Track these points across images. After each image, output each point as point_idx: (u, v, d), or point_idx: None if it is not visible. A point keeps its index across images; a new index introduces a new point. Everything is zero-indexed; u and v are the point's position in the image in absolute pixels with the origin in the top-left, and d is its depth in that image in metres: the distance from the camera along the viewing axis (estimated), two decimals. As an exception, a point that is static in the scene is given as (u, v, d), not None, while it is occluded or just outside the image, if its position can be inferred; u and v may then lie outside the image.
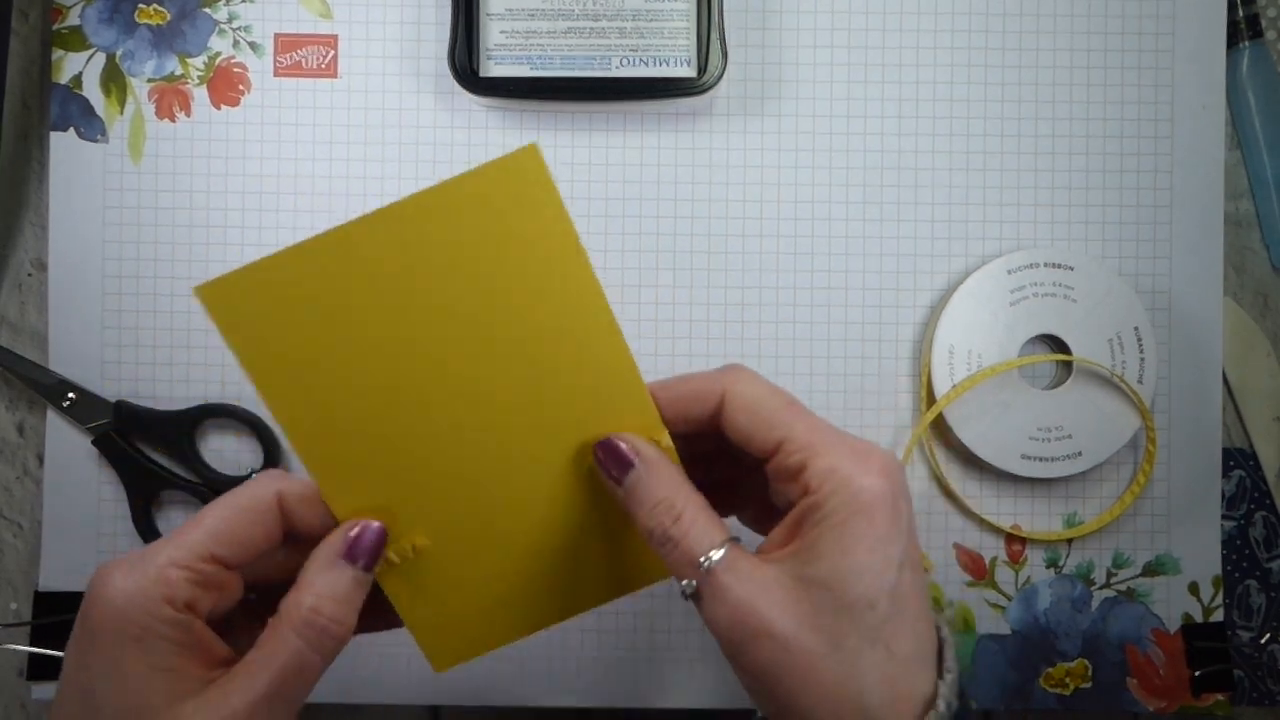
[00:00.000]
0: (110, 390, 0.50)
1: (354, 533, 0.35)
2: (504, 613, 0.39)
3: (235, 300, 0.34)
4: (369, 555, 0.35)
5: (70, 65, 0.50)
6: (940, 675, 0.33)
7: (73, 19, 0.50)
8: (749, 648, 0.32)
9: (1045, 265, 0.50)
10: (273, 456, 0.50)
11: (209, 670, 0.33)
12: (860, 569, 0.32)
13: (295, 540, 0.36)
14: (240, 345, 0.34)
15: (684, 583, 0.34)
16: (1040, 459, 0.50)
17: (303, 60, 0.51)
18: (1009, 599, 0.51)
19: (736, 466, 0.37)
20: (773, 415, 0.35)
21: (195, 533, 0.34)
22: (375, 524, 0.35)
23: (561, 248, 0.35)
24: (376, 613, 0.37)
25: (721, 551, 0.33)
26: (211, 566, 0.34)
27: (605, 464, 0.35)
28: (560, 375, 0.36)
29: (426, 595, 0.38)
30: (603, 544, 0.38)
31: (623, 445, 0.35)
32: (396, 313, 0.35)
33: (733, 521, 0.39)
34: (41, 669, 0.50)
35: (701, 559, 0.33)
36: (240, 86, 0.50)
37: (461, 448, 0.36)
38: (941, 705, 0.32)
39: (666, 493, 0.34)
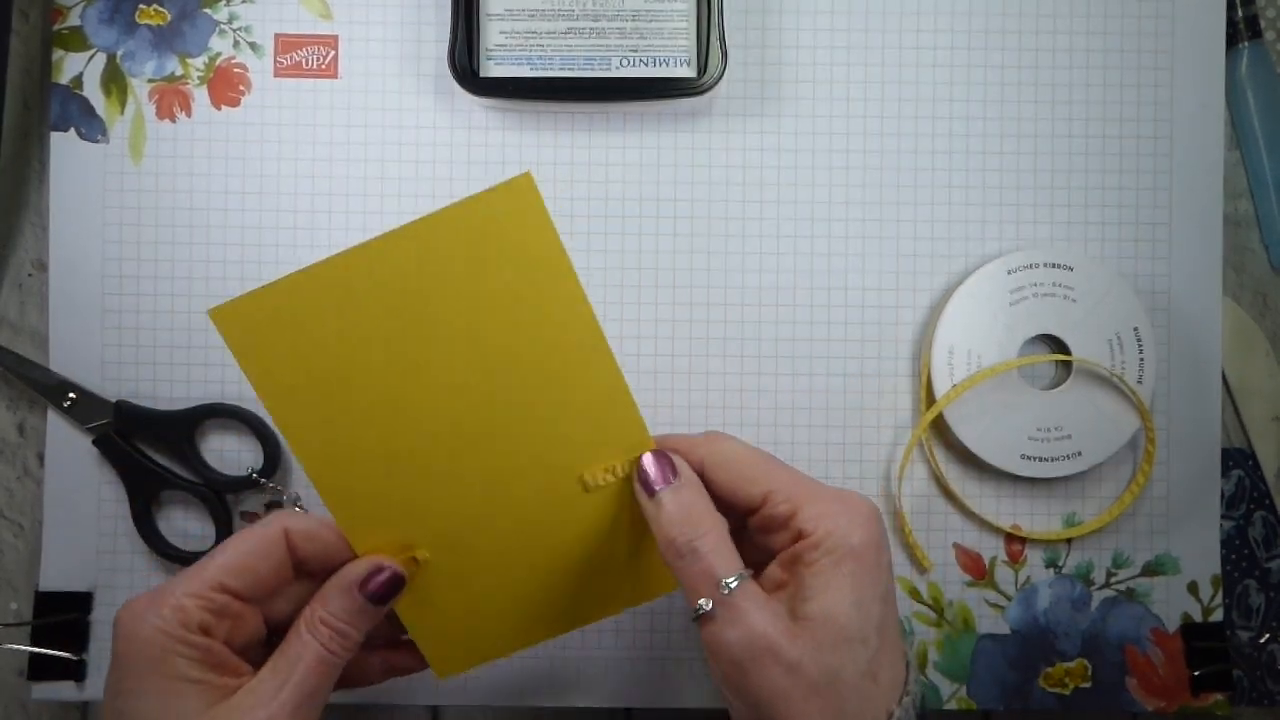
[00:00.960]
0: (110, 390, 0.50)
1: (376, 575, 0.37)
2: (505, 624, 0.40)
3: (247, 322, 0.35)
4: (382, 595, 0.38)
5: (71, 65, 0.50)
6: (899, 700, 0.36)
7: (73, 19, 0.50)
8: (755, 671, 0.35)
9: (1045, 265, 0.50)
10: (273, 457, 0.50)
11: (235, 680, 0.36)
12: (853, 605, 0.35)
13: (307, 574, 0.39)
14: (251, 367, 0.36)
15: (700, 601, 0.35)
16: (1040, 459, 0.50)
17: (303, 61, 0.51)
18: (1008, 599, 0.51)
19: None
20: (754, 470, 0.38)
21: (208, 566, 0.37)
22: (395, 571, 0.38)
23: (555, 272, 0.36)
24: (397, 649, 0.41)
25: (739, 579, 0.35)
26: (222, 596, 0.36)
27: (648, 473, 0.37)
28: (556, 393, 0.37)
29: (429, 606, 0.39)
30: (601, 562, 0.39)
31: (665, 464, 0.37)
32: (398, 335, 0.36)
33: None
34: (42, 669, 0.50)
35: (723, 582, 0.35)
36: (240, 87, 0.50)
37: (462, 465, 0.37)
38: None
39: (698, 510, 0.37)
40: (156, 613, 0.35)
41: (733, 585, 0.35)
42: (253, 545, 0.37)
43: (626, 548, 0.39)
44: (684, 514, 0.36)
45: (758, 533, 0.38)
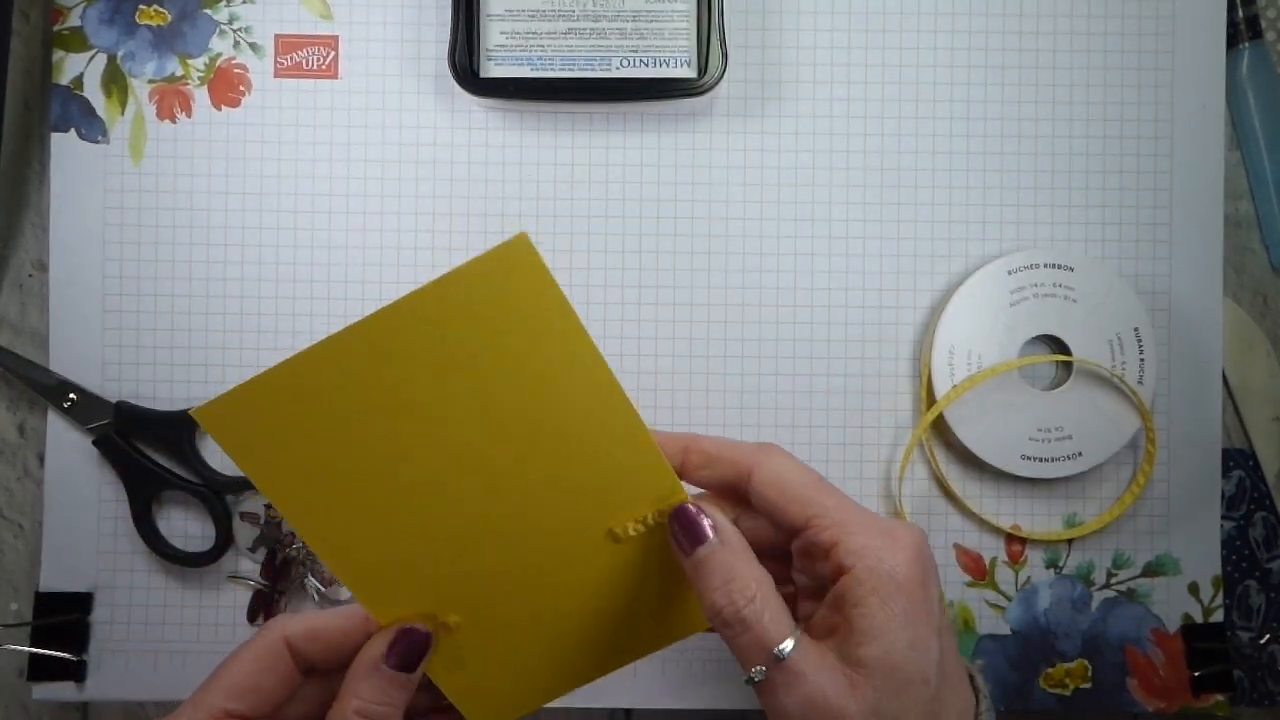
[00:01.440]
0: (111, 390, 0.50)
1: (399, 642, 0.36)
2: (541, 675, 0.39)
3: (237, 418, 0.34)
4: (411, 659, 0.36)
5: (71, 66, 0.50)
6: None
7: (73, 20, 0.50)
8: None
9: (1045, 265, 0.50)
10: (273, 457, 0.50)
11: None
12: (909, 646, 0.33)
13: (317, 672, 0.37)
14: (249, 463, 0.34)
15: (754, 669, 0.34)
16: (1040, 459, 0.50)
17: (303, 61, 0.51)
18: (1009, 599, 0.51)
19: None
20: (802, 491, 0.36)
21: (210, 691, 0.35)
22: (418, 628, 0.36)
23: (563, 329, 0.34)
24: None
25: (793, 641, 0.34)
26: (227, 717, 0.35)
27: (678, 534, 0.36)
28: (576, 449, 0.36)
29: (465, 669, 0.38)
30: (633, 606, 0.38)
31: (702, 518, 0.35)
32: (404, 410, 0.35)
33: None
34: (42, 669, 0.50)
35: (776, 648, 0.34)
36: (241, 87, 0.50)
37: (485, 529, 0.36)
38: None
39: (741, 572, 0.35)
40: None
41: (786, 651, 0.33)
42: (253, 661, 0.36)
43: (659, 590, 0.38)
44: (727, 577, 0.34)
45: (800, 557, 0.37)
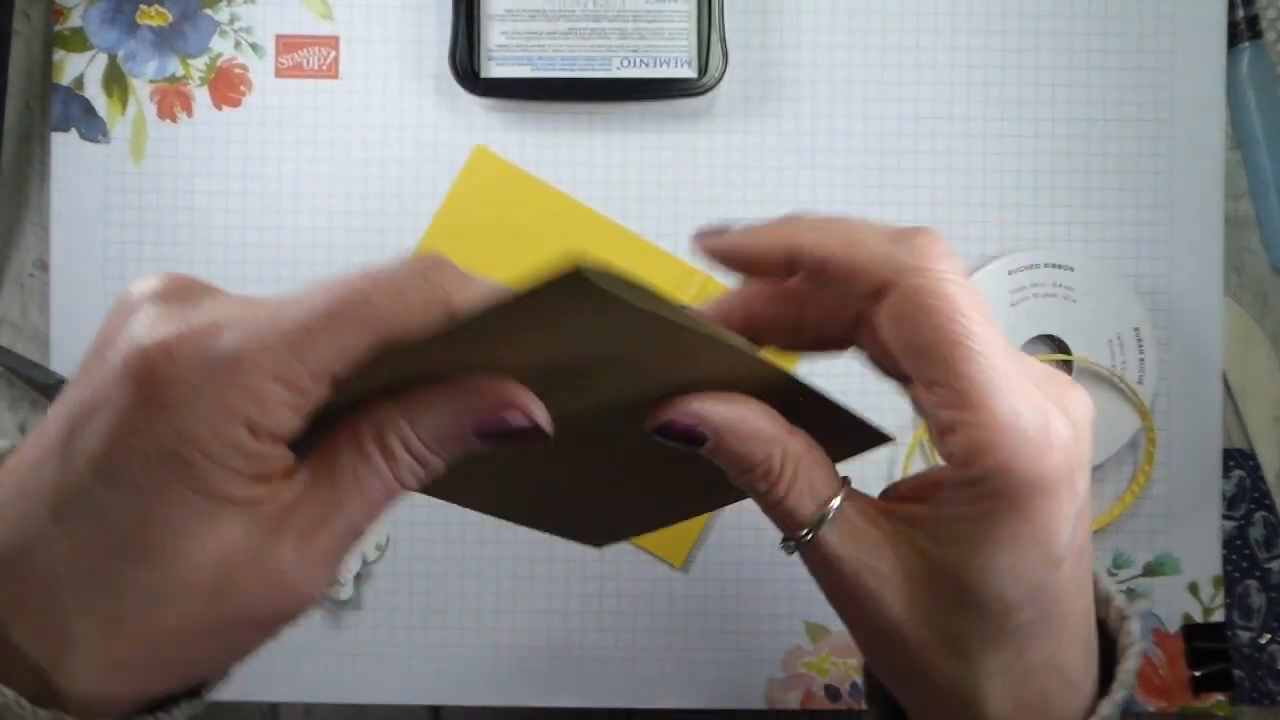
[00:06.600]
0: (111, 390, 0.50)
1: (504, 418, 0.25)
2: None
3: None
4: (498, 434, 0.25)
5: (72, 66, 0.50)
6: (1107, 689, 0.27)
7: (74, 20, 0.50)
8: (853, 624, 0.28)
9: (1045, 265, 0.50)
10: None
11: (265, 489, 0.24)
12: (1003, 569, 0.26)
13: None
14: None
15: (784, 543, 0.28)
16: (1040, 459, 0.50)
17: (304, 61, 0.51)
18: (1009, 599, 0.51)
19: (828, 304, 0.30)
20: (932, 340, 0.26)
21: (323, 335, 0.23)
22: (527, 417, 0.25)
23: (548, 198, 0.47)
24: None
25: (829, 509, 0.27)
26: (327, 389, 0.23)
27: (678, 441, 0.28)
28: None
29: None
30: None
31: (686, 421, 0.27)
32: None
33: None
34: (43, 668, 0.50)
35: (804, 530, 0.27)
36: (241, 87, 0.51)
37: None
38: None
39: (756, 454, 0.27)
40: (218, 393, 0.22)
41: (817, 526, 0.27)
42: (407, 315, 0.23)
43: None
44: (741, 466, 0.28)
45: (917, 405, 0.29)
